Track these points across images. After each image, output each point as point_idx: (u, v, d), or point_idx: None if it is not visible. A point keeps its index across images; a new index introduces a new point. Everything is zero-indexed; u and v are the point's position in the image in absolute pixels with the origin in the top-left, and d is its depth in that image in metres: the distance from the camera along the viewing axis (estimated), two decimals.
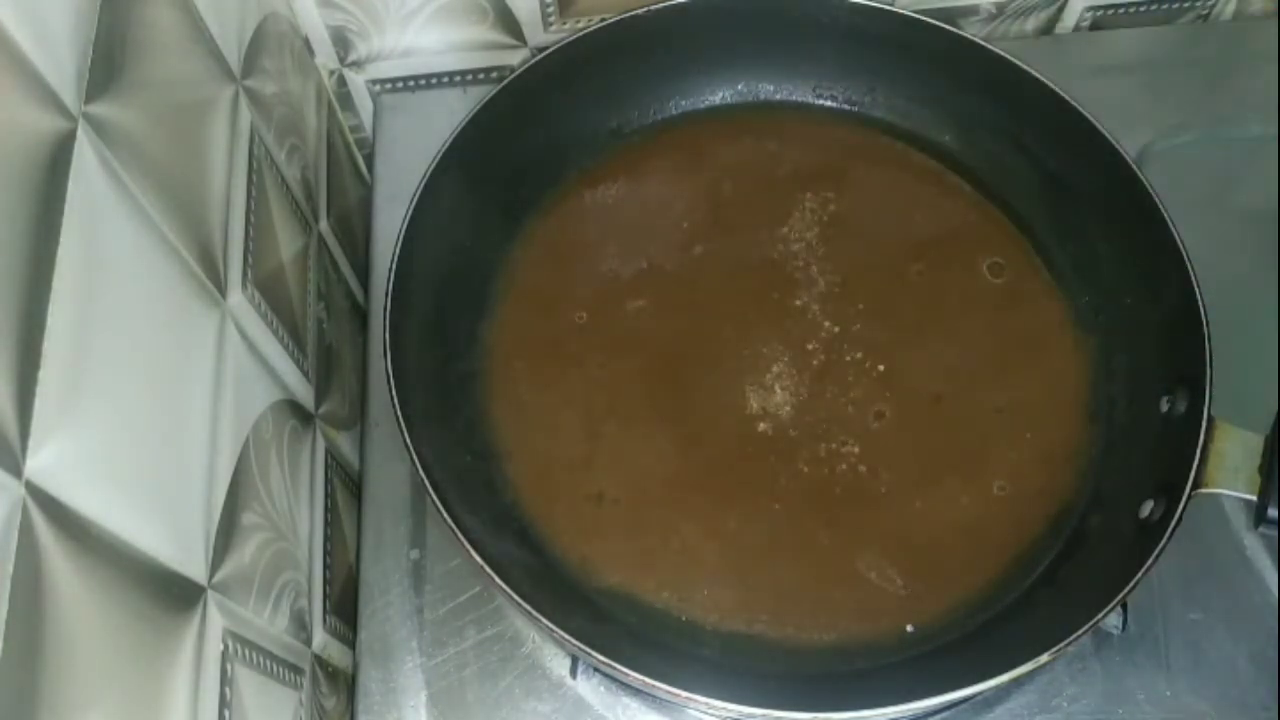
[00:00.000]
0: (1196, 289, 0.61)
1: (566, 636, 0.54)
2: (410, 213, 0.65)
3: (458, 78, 0.87)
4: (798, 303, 0.71)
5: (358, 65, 0.85)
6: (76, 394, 0.39)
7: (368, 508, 0.71)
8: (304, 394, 0.69)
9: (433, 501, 0.57)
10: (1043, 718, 0.64)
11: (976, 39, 0.72)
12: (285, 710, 0.58)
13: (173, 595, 0.46)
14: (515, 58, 0.86)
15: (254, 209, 0.62)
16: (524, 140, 0.73)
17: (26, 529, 0.35)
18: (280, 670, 0.58)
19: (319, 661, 0.65)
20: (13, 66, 0.39)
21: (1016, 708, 0.64)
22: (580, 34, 0.72)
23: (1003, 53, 0.70)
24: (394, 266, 0.64)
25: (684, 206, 0.75)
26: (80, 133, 0.43)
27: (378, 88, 0.87)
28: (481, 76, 0.87)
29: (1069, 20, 0.90)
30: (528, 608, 0.54)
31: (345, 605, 0.70)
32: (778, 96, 0.79)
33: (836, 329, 0.70)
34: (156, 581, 0.44)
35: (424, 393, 0.63)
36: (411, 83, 0.87)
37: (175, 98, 0.54)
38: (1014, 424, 0.67)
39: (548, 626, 0.54)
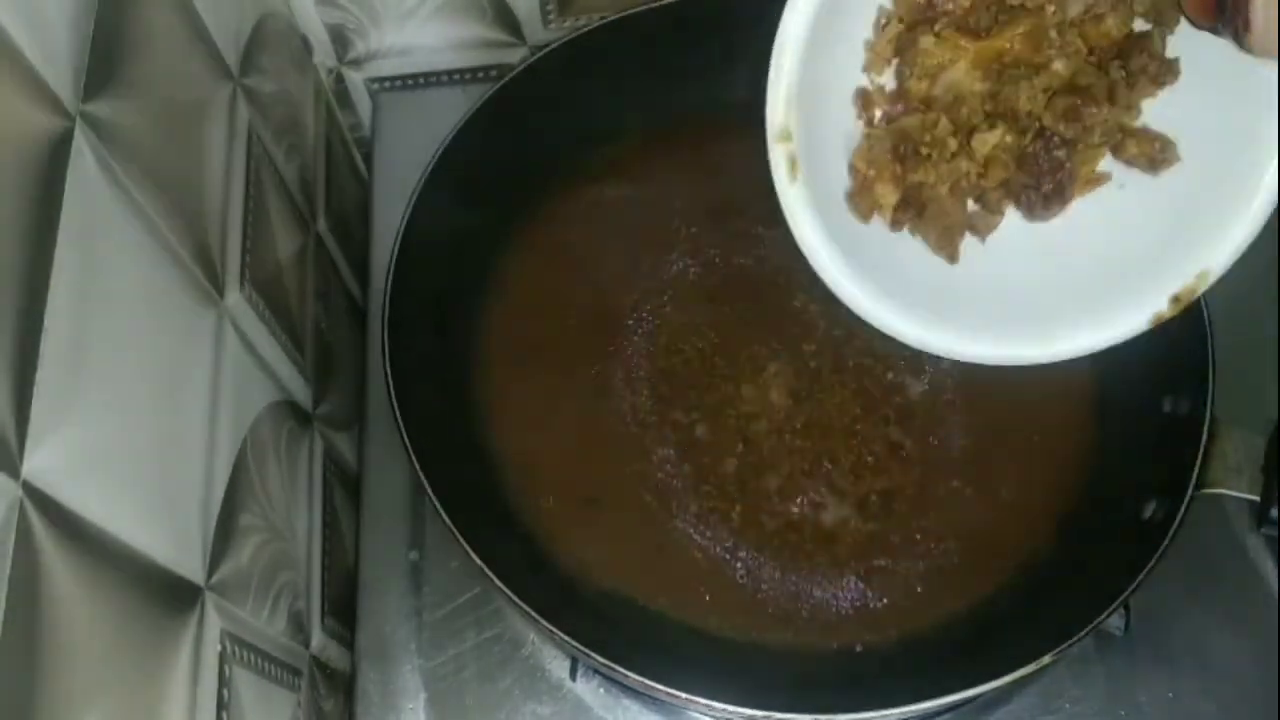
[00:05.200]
0: None
1: (566, 638, 0.54)
2: (409, 212, 0.65)
3: (456, 76, 0.87)
4: (797, 304, 0.70)
5: (356, 64, 0.85)
6: (74, 394, 0.39)
7: (366, 508, 0.71)
8: (302, 394, 0.69)
9: (432, 502, 0.57)
10: (1044, 719, 0.64)
11: None
12: (283, 712, 0.57)
13: (170, 596, 0.45)
14: (514, 56, 0.85)
15: (252, 208, 0.62)
16: (522, 139, 0.72)
17: (24, 530, 0.35)
18: (278, 672, 0.57)
19: (317, 663, 0.65)
20: (10, 65, 0.38)
21: (1018, 709, 0.64)
22: (579, 32, 0.72)
23: None
24: (392, 266, 0.64)
25: (683, 206, 0.74)
26: (78, 131, 0.42)
27: (376, 86, 0.87)
28: (480, 75, 0.87)
29: None
30: (527, 609, 0.54)
31: (344, 607, 0.70)
32: None
33: (837, 331, 0.69)
34: (154, 582, 0.44)
35: (422, 393, 0.63)
36: (410, 81, 0.87)
37: (173, 96, 0.54)
38: (1020, 426, 0.67)
39: (547, 628, 0.54)
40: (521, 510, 0.65)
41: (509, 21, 0.82)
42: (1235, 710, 0.63)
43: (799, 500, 0.64)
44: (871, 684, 0.59)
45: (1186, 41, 0.45)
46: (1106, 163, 0.49)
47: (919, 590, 0.62)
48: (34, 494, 0.36)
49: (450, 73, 0.87)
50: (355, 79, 0.86)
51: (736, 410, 0.67)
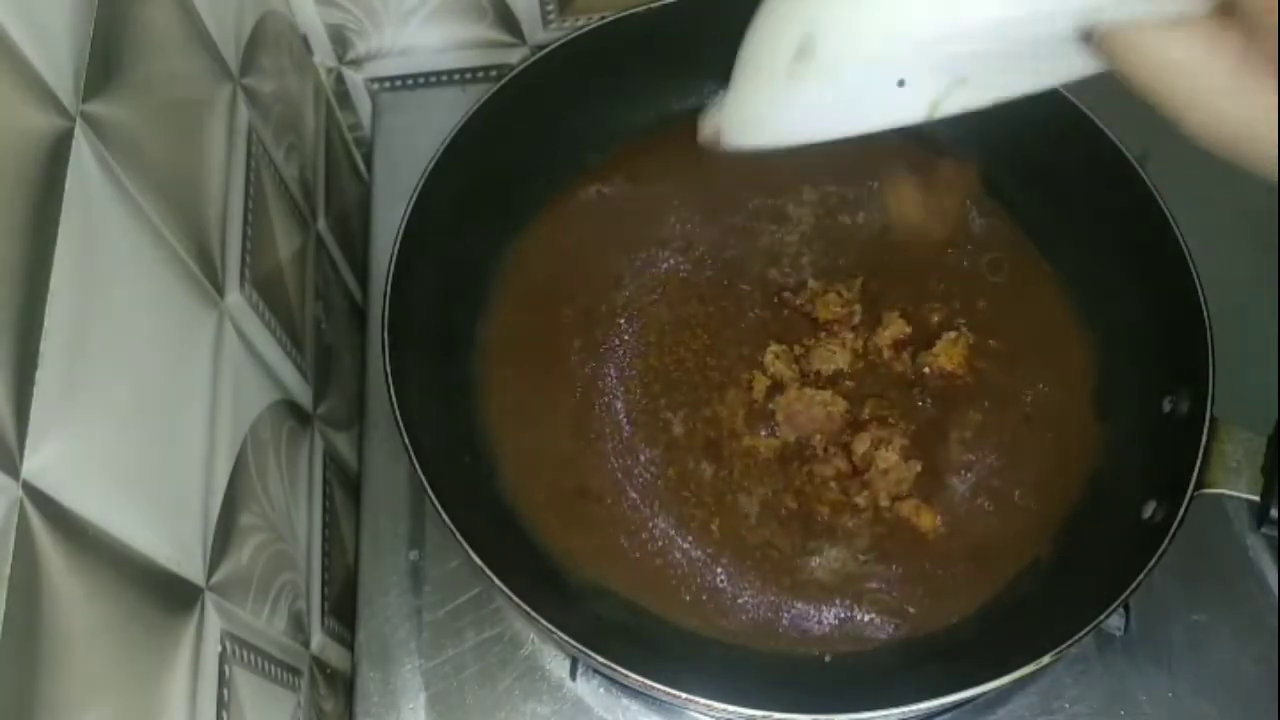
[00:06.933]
0: (1199, 288, 0.61)
1: (566, 638, 0.54)
2: (409, 212, 0.65)
3: (456, 76, 0.87)
4: (796, 304, 0.70)
5: (356, 63, 0.85)
6: (74, 394, 0.39)
7: (366, 508, 0.71)
8: (302, 394, 0.69)
9: (431, 502, 0.57)
10: (1044, 719, 0.64)
11: None
12: (283, 712, 0.57)
13: (171, 596, 0.45)
14: (514, 56, 0.85)
15: (252, 208, 0.62)
16: (522, 139, 0.72)
17: (24, 530, 0.35)
18: (278, 672, 0.57)
19: (317, 663, 0.64)
20: (10, 65, 0.38)
21: (1018, 709, 0.64)
22: (579, 32, 0.72)
23: None
24: (392, 266, 0.64)
25: (682, 205, 0.74)
26: (78, 131, 0.42)
27: (376, 86, 0.87)
28: (480, 75, 0.87)
29: None
30: (527, 609, 0.54)
31: (344, 606, 0.70)
32: None
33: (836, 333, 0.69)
34: (154, 582, 0.44)
35: (422, 392, 0.63)
36: (410, 81, 0.87)
37: (173, 96, 0.54)
38: (1027, 428, 0.66)
39: (547, 628, 0.54)
40: (517, 506, 0.65)
41: (509, 22, 0.82)
42: (1235, 710, 0.63)
43: (800, 505, 0.64)
44: (871, 684, 0.59)
45: None
46: None
47: (921, 597, 0.62)
48: (34, 494, 0.36)
49: (450, 73, 0.87)
50: (355, 79, 0.86)
51: (725, 414, 0.67)
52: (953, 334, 0.68)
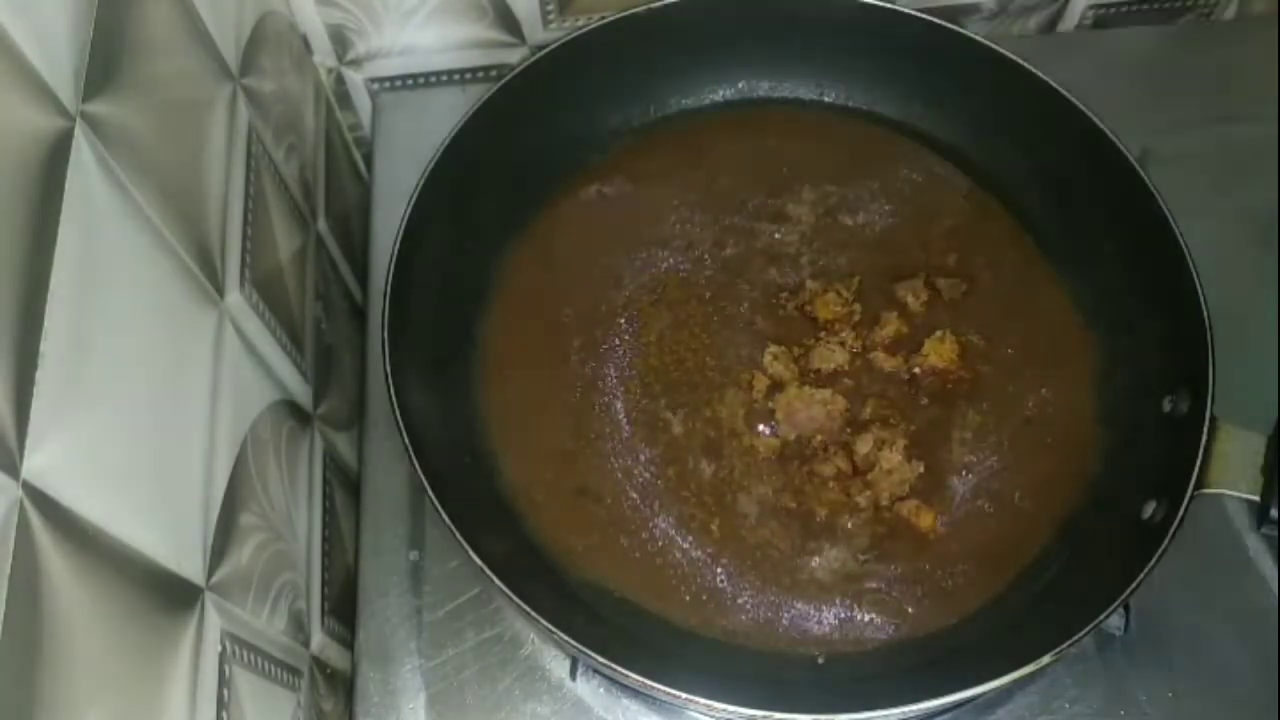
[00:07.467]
0: (1199, 288, 0.61)
1: (566, 638, 0.54)
2: (409, 212, 0.65)
3: (456, 76, 0.87)
4: (795, 303, 0.70)
5: (356, 64, 0.85)
6: (74, 394, 0.39)
7: (366, 508, 0.71)
8: (302, 394, 0.69)
9: (431, 502, 0.57)
10: (1044, 719, 0.64)
11: (978, 37, 0.72)
12: (283, 712, 0.57)
13: (170, 596, 0.45)
14: (514, 56, 0.85)
15: (252, 208, 0.62)
16: (522, 138, 0.72)
17: (24, 530, 0.35)
18: (278, 672, 0.57)
19: (317, 663, 0.64)
20: (10, 65, 0.38)
21: (1019, 709, 0.64)
22: (579, 32, 0.72)
23: (1005, 52, 0.70)
24: (392, 266, 0.64)
25: (682, 205, 0.74)
26: (78, 131, 0.42)
27: (376, 86, 0.87)
28: (480, 75, 0.87)
29: (1071, 18, 0.90)
30: (527, 609, 0.54)
31: (344, 606, 0.70)
32: (778, 94, 0.79)
33: (837, 335, 0.69)
34: (154, 582, 0.44)
35: (422, 392, 0.63)
36: (410, 81, 0.87)
37: (173, 96, 0.54)
38: (1027, 428, 0.66)
39: (547, 628, 0.54)
40: (517, 506, 0.65)
41: (509, 22, 0.83)
42: (1235, 710, 0.63)
43: (796, 505, 0.64)
44: (871, 683, 0.59)
45: None
46: None
47: (920, 594, 0.62)
48: (34, 494, 0.36)
49: (450, 73, 0.87)
50: (355, 79, 0.86)
51: (725, 413, 0.67)
52: (939, 332, 0.68)
